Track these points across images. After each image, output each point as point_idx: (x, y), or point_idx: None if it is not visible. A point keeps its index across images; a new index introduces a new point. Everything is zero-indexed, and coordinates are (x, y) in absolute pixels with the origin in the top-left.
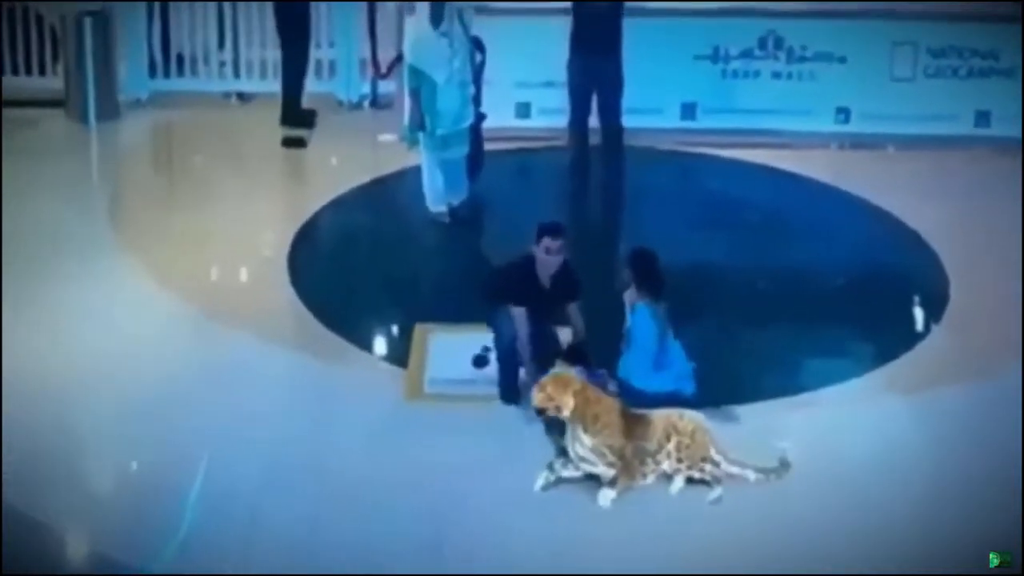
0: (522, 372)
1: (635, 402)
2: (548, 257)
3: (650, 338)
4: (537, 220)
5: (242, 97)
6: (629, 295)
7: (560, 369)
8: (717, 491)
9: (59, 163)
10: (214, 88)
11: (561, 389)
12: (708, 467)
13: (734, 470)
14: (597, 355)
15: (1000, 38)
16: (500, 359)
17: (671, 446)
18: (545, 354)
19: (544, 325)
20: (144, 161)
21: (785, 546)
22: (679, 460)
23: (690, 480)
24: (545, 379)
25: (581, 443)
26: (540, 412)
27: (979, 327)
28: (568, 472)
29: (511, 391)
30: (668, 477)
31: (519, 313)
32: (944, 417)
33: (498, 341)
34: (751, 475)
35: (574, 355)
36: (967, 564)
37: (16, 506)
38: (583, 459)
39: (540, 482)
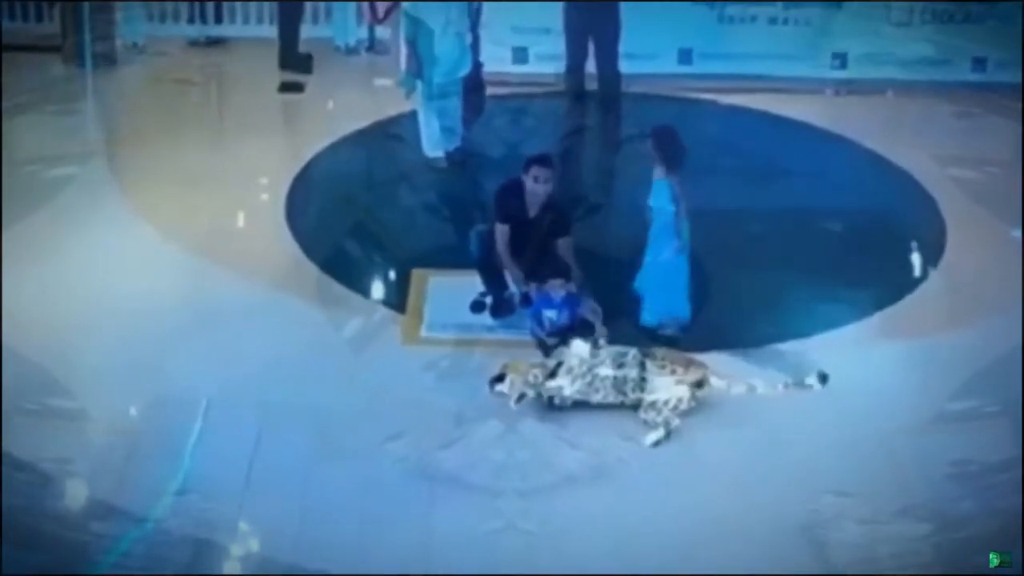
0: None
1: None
2: (536, 186)
3: (667, 211)
4: None
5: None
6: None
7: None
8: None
9: (56, 108)
10: (210, 34)
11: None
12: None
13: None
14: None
15: None
16: (477, 262)
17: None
18: (532, 269)
19: (532, 251)
20: (141, 106)
21: (772, 497)
22: (663, 356)
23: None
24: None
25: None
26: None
27: (976, 272)
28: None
29: (497, 288)
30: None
31: (503, 229)
32: (940, 362)
33: (474, 245)
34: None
35: (558, 273)
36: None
37: (11, 452)
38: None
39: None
